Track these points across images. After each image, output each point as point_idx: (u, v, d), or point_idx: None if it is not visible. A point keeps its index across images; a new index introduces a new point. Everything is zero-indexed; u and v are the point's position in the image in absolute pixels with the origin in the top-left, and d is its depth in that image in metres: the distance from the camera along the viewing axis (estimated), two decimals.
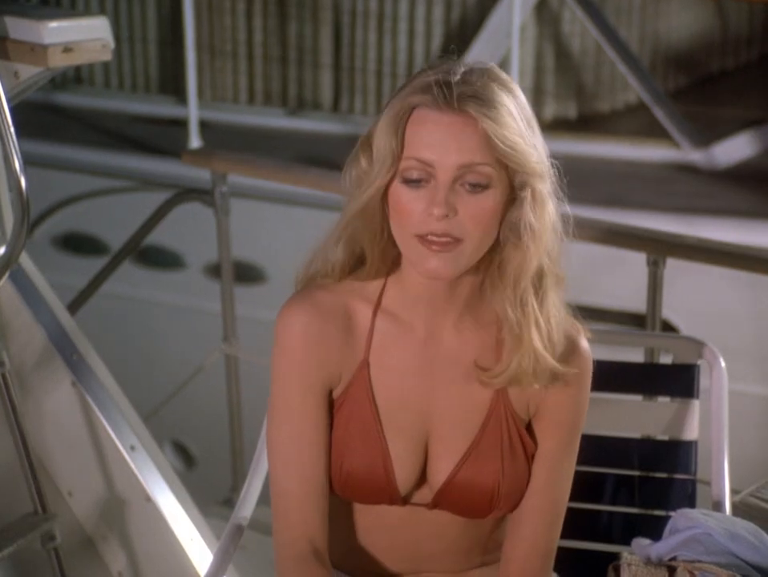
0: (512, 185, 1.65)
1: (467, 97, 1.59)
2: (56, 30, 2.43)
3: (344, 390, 1.76)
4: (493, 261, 1.69)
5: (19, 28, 2.45)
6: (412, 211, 1.63)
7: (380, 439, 1.75)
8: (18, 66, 2.47)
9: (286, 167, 4.03)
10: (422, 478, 1.78)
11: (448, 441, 1.76)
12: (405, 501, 1.78)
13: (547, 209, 1.66)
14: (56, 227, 6.45)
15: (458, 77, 1.62)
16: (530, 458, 1.78)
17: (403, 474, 1.76)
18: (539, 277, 1.69)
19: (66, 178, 6.33)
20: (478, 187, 1.62)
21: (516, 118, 1.62)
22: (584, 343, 1.77)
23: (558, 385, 1.74)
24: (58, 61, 2.44)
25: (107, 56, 2.52)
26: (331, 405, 1.77)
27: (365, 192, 1.67)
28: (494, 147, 1.60)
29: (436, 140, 1.61)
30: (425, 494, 1.78)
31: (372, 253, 1.73)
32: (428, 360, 1.76)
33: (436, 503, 1.78)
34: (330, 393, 1.77)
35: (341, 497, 1.79)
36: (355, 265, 1.77)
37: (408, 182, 1.63)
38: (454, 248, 1.62)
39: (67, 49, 2.44)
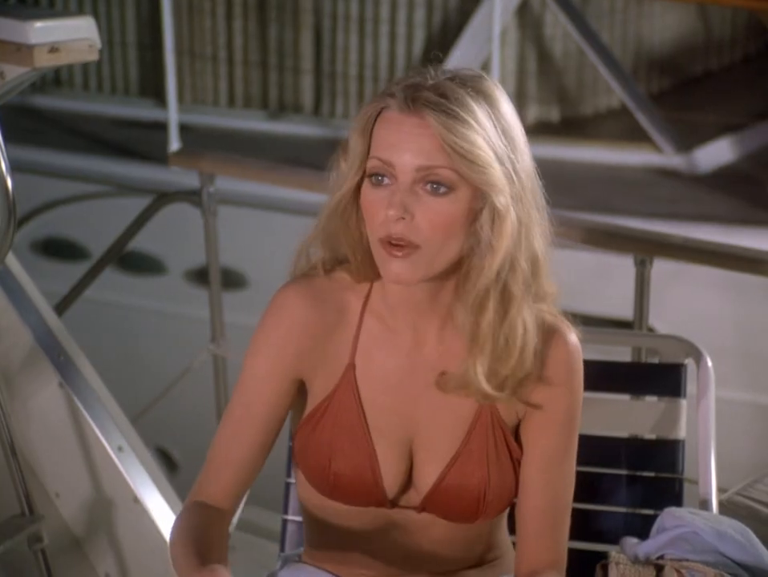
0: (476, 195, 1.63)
1: (429, 102, 1.59)
2: (42, 30, 2.41)
3: (330, 393, 1.76)
4: (462, 269, 1.68)
5: (5, 28, 2.43)
6: (376, 212, 1.63)
7: (367, 442, 1.75)
8: (4, 66, 2.45)
9: (274, 167, 4.00)
10: (409, 482, 1.78)
11: (434, 446, 1.76)
12: (393, 504, 1.78)
13: (505, 224, 1.62)
14: (35, 232, 6.42)
15: (431, 81, 1.62)
16: (516, 464, 1.77)
17: (390, 478, 1.76)
18: (503, 288, 1.66)
19: (45, 183, 6.29)
20: (440, 188, 1.60)
21: (485, 127, 1.60)
22: (572, 338, 1.76)
23: (544, 384, 1.74)
24: (45, 61, 2.42)
25: (94, 56, 2.51)
26: (308, 402, 1.78)
27: (337, 192, 1.68)
28: (447, 154, 1.59)
29: (396, 141, 1.61)
30: (412, 498, 1.78)
31: (355, 259, 1.73)
32: (413, 365, 1.76)
33: (424, 507, 1.78)
34: (302, 384, 1.76)
35: (330, 499, 1.79)
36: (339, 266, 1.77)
37: (373, 178, 1.63)
38: (412, 254, 1.61)
39: (54, 49, 2.42)
